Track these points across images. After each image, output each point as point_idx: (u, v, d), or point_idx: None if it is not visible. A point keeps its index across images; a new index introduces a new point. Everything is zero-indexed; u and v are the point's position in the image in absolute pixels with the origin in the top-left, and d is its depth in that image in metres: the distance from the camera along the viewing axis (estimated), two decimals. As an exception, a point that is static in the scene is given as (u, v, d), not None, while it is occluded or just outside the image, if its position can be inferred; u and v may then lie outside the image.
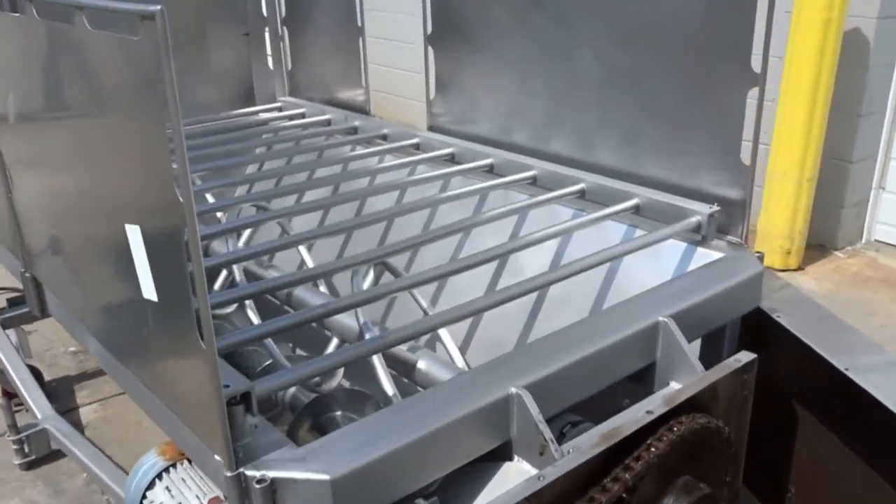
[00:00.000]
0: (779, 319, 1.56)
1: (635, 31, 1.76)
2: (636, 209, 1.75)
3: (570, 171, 1.90)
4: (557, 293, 1.82)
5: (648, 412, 1.20)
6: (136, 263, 1.06)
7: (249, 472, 1.01)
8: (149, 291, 1.06)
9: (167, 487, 1.45)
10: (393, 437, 1.08)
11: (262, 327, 1.32)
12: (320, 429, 1.84)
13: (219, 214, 2.39)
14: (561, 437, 1.30)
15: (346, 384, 2.06)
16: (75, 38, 1.12)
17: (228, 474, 1.00)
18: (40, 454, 2.30)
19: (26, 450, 2.28)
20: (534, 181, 1.95)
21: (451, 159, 2.16)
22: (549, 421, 1.27)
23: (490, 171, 2.06)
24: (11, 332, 2.48)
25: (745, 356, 1.33)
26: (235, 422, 1.04)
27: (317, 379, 2.01)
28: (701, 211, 1.64)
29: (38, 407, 2.23)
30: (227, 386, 1.04)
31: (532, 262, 1.89)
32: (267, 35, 2.80)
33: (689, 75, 1.67)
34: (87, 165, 1.24)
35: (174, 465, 1.48)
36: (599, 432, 1.19)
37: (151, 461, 1.49)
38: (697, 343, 1.61)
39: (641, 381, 1.43)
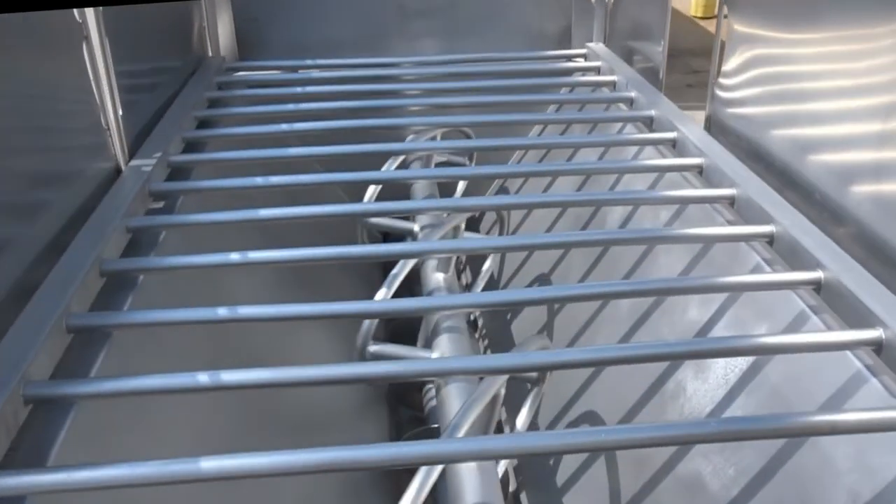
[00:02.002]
0: None
1: None
2: (878, 348, 1.00)
3: (814, 238, 1.17)
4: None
5: None
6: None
7: None
8: None
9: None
10: None
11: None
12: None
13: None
14: None
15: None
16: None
17: None
18: None
19: None
20: (770, 241, 1.25)
21: (700, 173, 1.51)
22: None
23: (731, 204, 1.38)
24: None
25: None
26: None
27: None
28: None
29: None
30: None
31: (725, 371, 1.23)
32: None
33: None
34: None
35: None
36: None
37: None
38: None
39: None
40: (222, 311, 1.08)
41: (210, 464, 0.80)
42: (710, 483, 1.13)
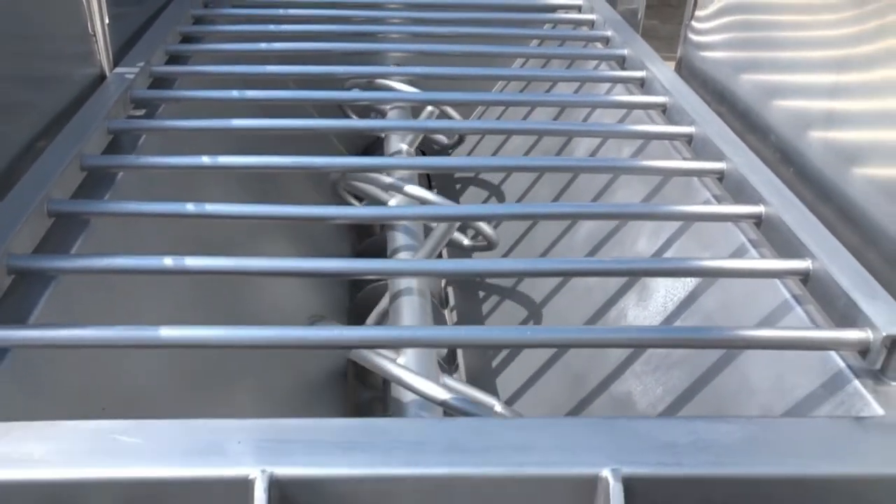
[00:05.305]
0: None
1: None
2: (805, 277, 1.08)
3: (760, 176, 1.22)
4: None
5: None
6: None
7: None
8: None
9: None
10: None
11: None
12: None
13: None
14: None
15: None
16: None
17: None
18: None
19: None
20: (721, 177, 1.32)
21: (664, 111, 1.56)
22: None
23: (689, 142, 1.44)
24: None
25: None
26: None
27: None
28: (877, 323, 0.93)
29: None
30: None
31: (665, 299, 1.30)
32: None
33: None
34: None
35: None
36: None
37: None
38: None
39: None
40: (192, 207, 1.15)
41: (168, 332, 0.88)
42: (640, 400, 1.22)
